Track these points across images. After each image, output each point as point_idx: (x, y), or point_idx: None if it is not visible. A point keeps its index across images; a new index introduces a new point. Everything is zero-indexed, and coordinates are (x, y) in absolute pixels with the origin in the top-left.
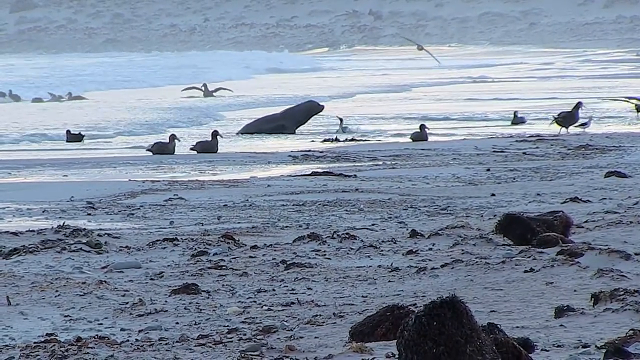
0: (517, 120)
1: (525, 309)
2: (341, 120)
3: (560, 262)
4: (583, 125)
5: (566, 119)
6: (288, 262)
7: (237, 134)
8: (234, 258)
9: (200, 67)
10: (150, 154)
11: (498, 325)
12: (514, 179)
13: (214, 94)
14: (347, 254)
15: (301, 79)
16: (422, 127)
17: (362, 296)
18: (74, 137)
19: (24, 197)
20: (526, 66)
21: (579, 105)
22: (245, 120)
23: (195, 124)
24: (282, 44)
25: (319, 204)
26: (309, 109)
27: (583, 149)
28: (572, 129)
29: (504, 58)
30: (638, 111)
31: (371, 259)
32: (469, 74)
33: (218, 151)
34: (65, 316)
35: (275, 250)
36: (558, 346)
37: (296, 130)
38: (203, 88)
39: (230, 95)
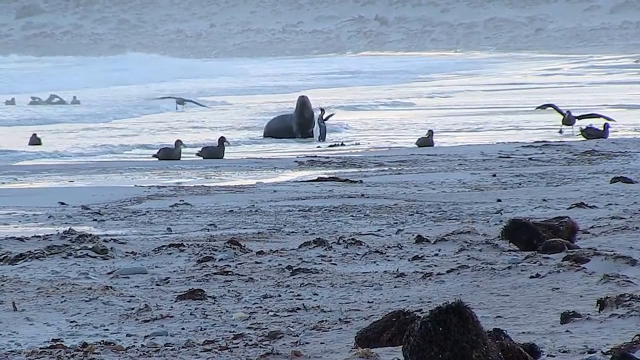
0: (567, 121)
1: (531, 315)
2: (322, 110)
3: (566, 267)
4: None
5: (593, 136)
6: (294, 268)
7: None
8: (240, 264)
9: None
10: (156, 159)
11: (504, 331)
12: (520, 184)
13: (185, 102)
14: (353, 259)
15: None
16: (430, 132)
17: (368, 302)
18: (36, 141)
19: (30, 203)
20: (533, 71)
21: (606, 125)
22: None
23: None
24: (288, 49)
25: (325, 210)
26: (301, 105)
27: (589, 154)
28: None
29: (511, 63)
30: (563, 123)
31: (377, 264)
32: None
33: (224, 157)
34: (71, 322)
35: (281, 256)
36: (564, 352)
37: (304, 125)
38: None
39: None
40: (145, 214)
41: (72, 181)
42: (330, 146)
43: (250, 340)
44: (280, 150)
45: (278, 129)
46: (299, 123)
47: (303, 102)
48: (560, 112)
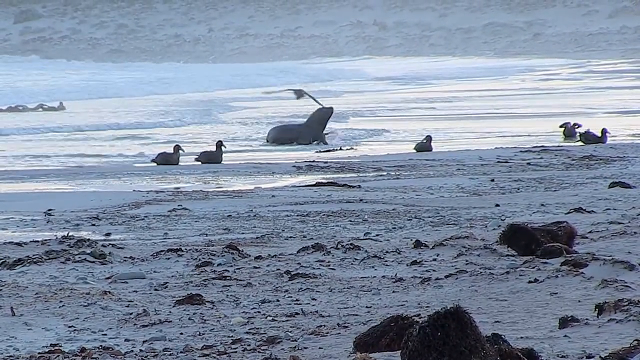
0: (568, 132)
1: (530, 320)
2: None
3: (564, 272)
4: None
5: (591, 141)
6: (292, 273)
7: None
8: (238, 268)
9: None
10: (155, 164)
11: (502, 336)
12: (518, 189)
13: (304, 95)
14: (352, 264)
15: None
16: (428, 138)
17: (366, 307)
18: None
19: (28, 208)
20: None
21: (604, 131)
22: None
23: None
24: (286, 54)
25: (323, 215)
26: (320, 117)
27: (587, 159)
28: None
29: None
30: (564, 135)
31: (375, 269)
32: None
33: (222, 162)
34: (70, 327)
35: (279, 261)
36: (562, 357)
37: (312, 140)
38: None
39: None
40: (143, 219)
41: (71, 186)
42: (328, 151)
43: (249, 345)
44: (278, 156)
45: (281, 139)
46: (316, 129)
47: (330, 115)
48: (561, 126)
